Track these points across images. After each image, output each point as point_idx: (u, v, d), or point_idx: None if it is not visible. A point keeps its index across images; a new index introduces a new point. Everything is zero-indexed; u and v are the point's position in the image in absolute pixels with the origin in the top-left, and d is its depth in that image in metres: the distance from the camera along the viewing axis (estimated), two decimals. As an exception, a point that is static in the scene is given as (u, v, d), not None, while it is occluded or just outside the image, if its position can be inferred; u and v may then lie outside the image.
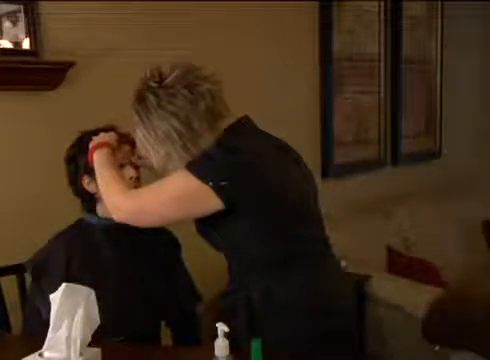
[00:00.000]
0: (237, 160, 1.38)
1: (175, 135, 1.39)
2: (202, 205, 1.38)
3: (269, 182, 1.40)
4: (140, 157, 1.58)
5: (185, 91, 1.38)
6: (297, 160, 1.55)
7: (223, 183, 1.34)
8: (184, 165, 1.40)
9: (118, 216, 1.47)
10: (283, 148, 1.53)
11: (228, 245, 1.47)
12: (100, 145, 1.58)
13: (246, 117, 1.51)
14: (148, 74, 1.43)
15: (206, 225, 1.45)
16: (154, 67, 1.43)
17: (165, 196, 1.40)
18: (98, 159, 1.55)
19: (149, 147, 1.44)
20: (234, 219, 1.39)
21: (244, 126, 1.49)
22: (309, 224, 1.50)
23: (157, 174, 1.51)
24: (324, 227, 1.55)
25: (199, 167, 1.37)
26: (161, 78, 1.40)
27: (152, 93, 1.40)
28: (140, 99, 1.42)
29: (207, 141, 1.40)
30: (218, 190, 1.34)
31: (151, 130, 1.41)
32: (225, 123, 1.44)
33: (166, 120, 1.39)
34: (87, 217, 1.69)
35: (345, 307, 1.52)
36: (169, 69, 1.41)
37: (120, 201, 1.47)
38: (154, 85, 1.40)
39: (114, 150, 1.60)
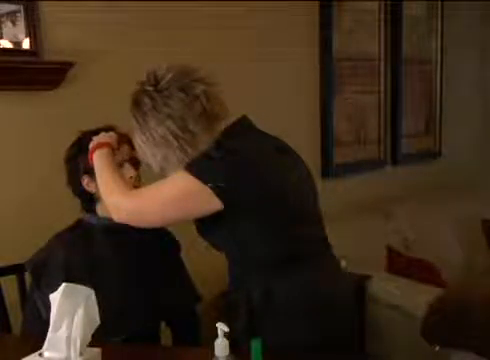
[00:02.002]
0: (236, 160, 1.38)
1: (172, 138, 1.39)
2: (201, 206, 1.38)
3: (268, 182, 1.40)
4: None
5: (180, 93, 1.38)
6: (296, 160, 1.55)
7: (222, 184, 1.34)
8: (182, 165, 1.40)
9: (118, 216, 1.47)
10: (282, 148, 1.53)
11: (228, 245, 1.47)
12: (100, 145, 1.58)
13: (244, 117, 1.51)
14: (144, 78, 1.43)
15: (206, 225, 1.45)
16: (149, 70, 1.44)
17: (165, 196, 1.40)
18: (98, 159, 1.55)
19: (147, 150, 1.44)
20: (234, 219, 1.39)
21: (243, 126, 1.49)
22: (309, 224, 1.50)
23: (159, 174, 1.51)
24: (324, 227, 1.56)
25: (198, 168, 1.37)
26: (156, 81, 1.41)
27: (147, 96, 1.40)
28: (136, 103, 1.43)
29: (204, 143, 1.40)
30: (217, 191, 1.34)
31: (148, 133, 1.41)
32: (223, 124, 1.45)
33: (162, 123, 1.39)
34: (87, 217, 1.69)
35: (345, 307, 1.52)
36: (164, 72, 1.41)
37: (120, 201, 1.47)
38: (149, 88, 1.40)
39: (114, 150, 1.60)
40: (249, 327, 1.44)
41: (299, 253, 1.45)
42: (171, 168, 1.43)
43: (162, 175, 1.47)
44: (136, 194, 1.49)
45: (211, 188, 1.34)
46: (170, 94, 1.39)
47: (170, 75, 1.40)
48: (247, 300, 1.45)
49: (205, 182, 1.34)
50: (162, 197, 1.41)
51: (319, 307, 1.44)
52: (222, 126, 1.44)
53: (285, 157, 1.51)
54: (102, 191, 1.53)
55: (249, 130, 1.51)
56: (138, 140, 1.45)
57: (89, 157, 1.58)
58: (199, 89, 1.40)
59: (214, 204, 1.36)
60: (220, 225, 1.42)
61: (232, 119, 1.48)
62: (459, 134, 4.09)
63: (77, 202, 1.70)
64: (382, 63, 3.44)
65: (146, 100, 1.40)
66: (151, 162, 1.46)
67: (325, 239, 1.55)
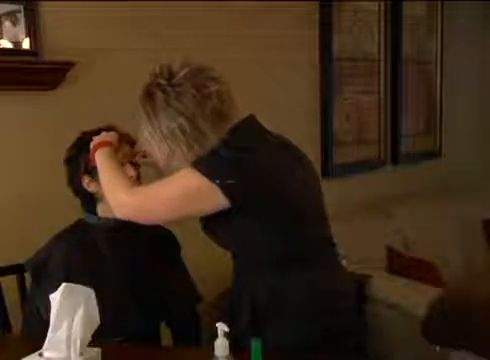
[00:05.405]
0: (243, 159, 1.38)
1: (179, 133, 1.39)
2: (208, 203, 1.38)
3: (275, 181, 1.40)
4: (144, 155, 1.59)
5: (193, 90, 1.38)
6: (302, 159, 1.56)
7: (229, 181, 1.34)
8: (187, 163, 1.40)
9: (123, 212, 1.47)
10: (288, 147, 1.53)
11: (233, 244, 1.47)
12: (102, 144, 1.58)
13: (251, 116, 1.51)
14: (158, 71, 1.43)
15: (212, 223, 1.45)
16: (165, 64, 1.44)
17: (171, 193, 1.40)
18: (101, 158, 1.55)
19: (153, 143, 1.44)
20: (240, 217, 1.39)
21: (249, 125, 1.49)
22: (314, 223, 1.50)
23: (158, 174, 1.51)
24: (329, 226, 1.56)
25: (206, 165, 1.37)
26: (170, 76, 1.41)
27: (160, 90, 1.40)
28: (148, 95, 1.43)
29: (211, 141, 1.40)
30: (224, 188, 1.34)
31: (156, 126, 1.41)
32: (231, 124, 1.44)
33: (172, 118, 1.39)
34: (87, 217, 1.69)
35: (347, 307, 1.53)
36: (179, 67, 1.42)
37: (125, 198, 1.46)
38: (163, 82, 1.40)
39: (115, 149, 1.60)
40: (252, 326, 1.44)
41: (304, 253, 1.45)
42: (175, 163, 1.43)
43: (165, 169, 1.47)
44: (141, 191, 1.48)
45: (218, 185, 1.34)
46: (183, 90, 1.38)
47: (185, 71, 1.40)
48: (251, 299, 1.45)
49: (212, 179, 1.34)
50: (168, 194, 1.40)
51: (322, 307, 1.45)
52: (230, 126, 1.44)
53: (291, 156, 1.51)
54: (105, 189, 1.52)
55: (256, 129, 1.51)
56: (145, 132, 1.44)
57: (91, 156, 1.58)
58: (213, 88, 1.40)
59: (221, 202, 1.35)
60: (226, 223, 1.42)
61: (237, 119, 1.48)
62: (459, 134, 4.09)
63: (77, 202, 1.70)
64: (382, 63, 3.44)
65: (158, 93, 1.40)
66: (156, 155, 1.46)
67: (330, 238, 1.55)
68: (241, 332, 1.39)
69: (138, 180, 1.65)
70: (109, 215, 1.62)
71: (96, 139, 1.60)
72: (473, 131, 4.22)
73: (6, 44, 1.93)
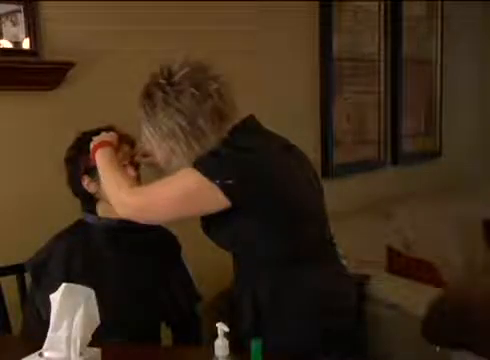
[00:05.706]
0: (244, 159, 1.38)
1: (179, 132, 1.39)
2: (208, 203, 1.38)
3: (275, 181, 1.40)
4: (145, 155, 1.59)
5: (193, 89, 1.39)
6: (303, 159, 1.56)
7: (230, 181, 1.34)
8: (188, 161, 1.41)
9: (124, 212, 1.47)
10: (288, 147, 1.53)
11: (234, 243, 1.47)
12: (102, 144, 1.58)
13: (251, 116, 1.51)
14: (158, 71, 1.43)
15: (213, 223, 1.45)
16: (165, 64, 1.44)
17: (171, 193, 1.40)
18: (101, 157, 1.55)
19: (154, 142, 1.44)
20: (240, 217, 1.39)
21: (250, 125, 1.50)
22: (314, 223, 1.50)
23: (158, 174, 1.51)
24: (329, 226, 1.56)
25: (206, 165, 1.37)
26: (170, 75, 1.41)
27: (160, 89, 1.40)
28: (147, 94, 1.43)
29: (211, 140, 1.40)
30: (224, 188, 1.34)
31: (156, 126, 1.42)
32: (231, 124, 1.44)
33: (172, 117, 1.39)
34: (87, 217, 1.69)
35: (347, 307, 1.53)
36: (179, 67, 1.42)
37: (126, 197, 1.46)
38: (162, 81, 1.41)
39: (115, 150, 1.60)
40: (255, 327, 1.44)
41: (304, 253, 1.45)
42: (176, 163, 1.44)
43: (166, 168, 1.47)
44: (141, 191, 1.48)
45: (218, 185, 1.34)
46: (182, 89, 1.39)
47: (184, 70, 1.41)
48: (251, 299, 1.45)
49: (212, 179, 1.34)
50: (168, 194, 1.41)
51: (323, 307, 1.45)
52: (229, 125, 1.44)
53: (292, 156, 1.51)
54: (107, 188, 1.52)
55: (256, 129, 1.51)
56: (146, 132, 1.45)
57: (91, 156, 1.58)
58: (213, 87, 1.40)
59: (221, 202, 1.36)
60: (226, 223, 1.42)
61: (238, 119, 1.48)
62: (459, 134, 4.09)
63: (77, 202, 1.70)
64: (382, 63, 3.44)
65: (158, 93, 1.40)
66: (157, 154, 1.46)
67: (330, 238, 1.56)
68: (244, 333, 1.39)
69: (138, 180, 1.65)
70: (109, 215, 1.62)
71: (96, 139, 1.60)
72: (473, 131, 4.22)
73: (6, 44, 1.93)
